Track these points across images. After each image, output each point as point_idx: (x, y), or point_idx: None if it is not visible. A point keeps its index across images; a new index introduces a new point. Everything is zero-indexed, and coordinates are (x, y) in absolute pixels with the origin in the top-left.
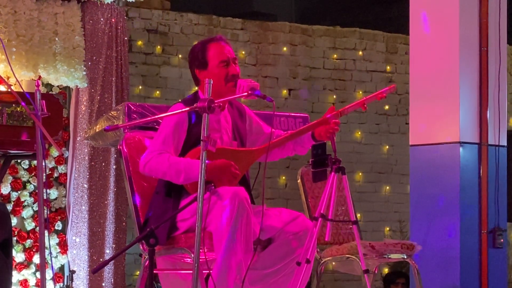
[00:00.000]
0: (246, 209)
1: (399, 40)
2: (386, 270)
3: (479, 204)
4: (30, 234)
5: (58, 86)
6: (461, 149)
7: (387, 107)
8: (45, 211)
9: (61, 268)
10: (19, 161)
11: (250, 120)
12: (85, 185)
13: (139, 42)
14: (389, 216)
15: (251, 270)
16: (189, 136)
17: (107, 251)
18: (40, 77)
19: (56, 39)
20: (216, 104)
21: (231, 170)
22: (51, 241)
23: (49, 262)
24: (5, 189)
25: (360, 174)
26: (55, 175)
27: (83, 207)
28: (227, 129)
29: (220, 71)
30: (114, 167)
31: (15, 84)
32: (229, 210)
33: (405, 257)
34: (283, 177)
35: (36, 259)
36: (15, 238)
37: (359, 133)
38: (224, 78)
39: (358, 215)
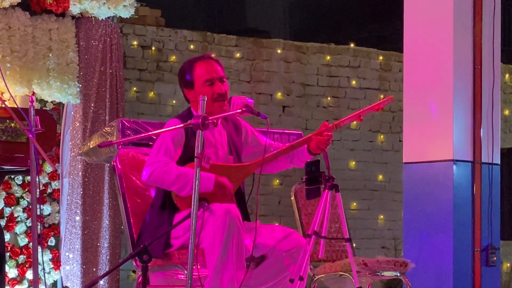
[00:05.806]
0: (237, 226)
1: (393, 57)
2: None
3: (473, 222)
4: (23, 249)
5: (52, 102)
6: (454, 167)
7: (380, 124)
8: (39, 226)
9: (54, 284)
10: (12, 176)
11: (246, 133)
12: (79, 201)
13: (134, 59)
14: (383, 234)
15: (244, 287)
16: (184, 151)
17: (101, 267)
18: (34, 93)
19: (50, 55)
20: (210, 121)
21: (228, 193)
22: (44, 257)
23: (42, 278)
24: None
25: (353, 191)
26: (49, 190)
27: (77, 223)
28: (223, 143)
29: (206, 90)
30: (107, 183)
31: (9, 100)
32: (220, 227)
33: (398, 274)
34: (277, 194)
35: (29, 275)
36: (8, 254)
37: (353, 150)
38: (210, 97)
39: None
